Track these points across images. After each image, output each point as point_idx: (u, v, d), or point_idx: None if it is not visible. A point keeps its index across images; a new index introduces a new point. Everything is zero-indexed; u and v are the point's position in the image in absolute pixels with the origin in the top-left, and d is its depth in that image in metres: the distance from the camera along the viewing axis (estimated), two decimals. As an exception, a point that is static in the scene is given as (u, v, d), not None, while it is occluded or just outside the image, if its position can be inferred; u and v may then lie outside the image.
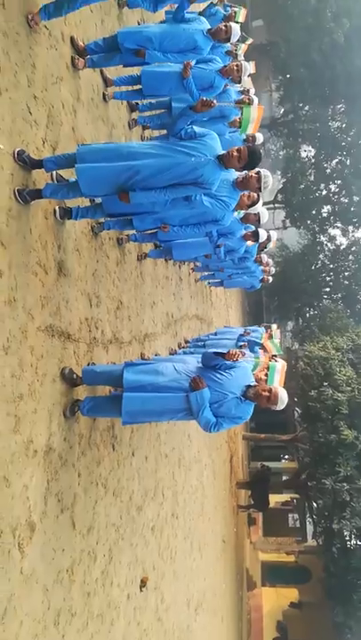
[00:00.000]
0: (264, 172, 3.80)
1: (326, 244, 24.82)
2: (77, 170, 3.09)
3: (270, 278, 9.46)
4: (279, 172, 26.48)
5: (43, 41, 3.69)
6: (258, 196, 4.24)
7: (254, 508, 16.06)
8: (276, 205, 23.84)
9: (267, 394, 3.24)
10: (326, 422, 12.65)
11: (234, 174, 3.72)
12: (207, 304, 12.00)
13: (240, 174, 3.68)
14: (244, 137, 6.19)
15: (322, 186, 23.59)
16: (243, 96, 6.43)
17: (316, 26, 19.54)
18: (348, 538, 12.79)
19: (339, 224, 24.47)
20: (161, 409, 3.41)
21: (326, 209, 24.18)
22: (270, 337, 8.77)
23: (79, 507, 3.71)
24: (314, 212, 23.72)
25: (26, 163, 3.21)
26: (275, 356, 5.38)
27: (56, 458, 3.41)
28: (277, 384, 3.53)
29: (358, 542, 12.88)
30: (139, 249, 5.96)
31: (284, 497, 20.30)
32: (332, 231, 24.88)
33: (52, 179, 3.47)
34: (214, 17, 6.34)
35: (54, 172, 3.47)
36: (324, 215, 24.21)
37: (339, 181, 23.30)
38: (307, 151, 24.76)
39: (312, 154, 24.12)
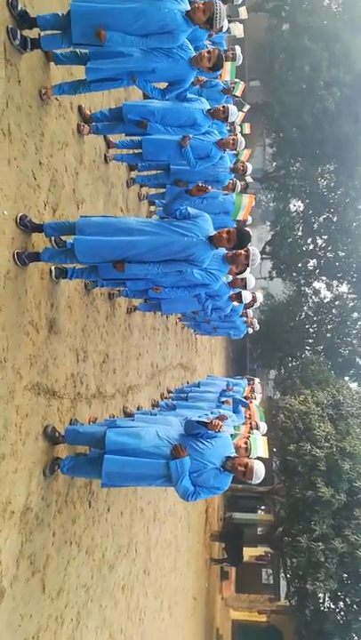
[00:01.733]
0: (253, 249, 4.00)
1: (311, 297, 25.31)
2: (75, 241, 3.23)
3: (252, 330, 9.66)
4: (269, 224, 27.23)
5: (52, 111, 3.91)
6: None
7: (227, 562, 15.69)
8: (263, 256, 24.41)
9: (242, 469, 3.31)
10: (304, 477, 12.60)
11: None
12: (192, 352, 12.10)
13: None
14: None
15: (309, 240, 24.25)
16: (238, 163, 6.75)
17: (308, 92, 20.60)
18: (321, 600, 12.51)
19: (324, 278, 25.06)
20: (141, 474, 3.44)
21: (312, 262, 24.79)
22: (253, 391, 8.88)
23: (51, 568, 3.66)
24: (300, 264, 24.30)
25: (27, 227, 3.34)
26: (253, 426, 5.45)
27: (32, 518, 3.39)
28: (261, 453, 3.59)
29: (332, 606, 12.60)
30: (129, 302, 6.09)
31: (259, 551, 19.87)
32: (317, 284, 25.46)
33: (50, 242, 3.60)
34: (214, 88, 6.73)
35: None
36: (310, 268, 24.80)
37: (325, 237, 24.00)
38: (296, 206, 25.58)
39: (301, 209, 24.92)
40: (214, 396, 7.68)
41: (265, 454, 3.63)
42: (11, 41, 3.13)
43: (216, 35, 6.91)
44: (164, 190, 6.45)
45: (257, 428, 5.46)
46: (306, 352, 25.79)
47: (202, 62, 3.69)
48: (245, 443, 3.87)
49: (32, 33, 3.36)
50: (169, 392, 8.16)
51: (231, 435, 3.80)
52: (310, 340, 25.66)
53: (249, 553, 18.23)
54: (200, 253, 3.31)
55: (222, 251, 3.90)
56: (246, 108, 9.31)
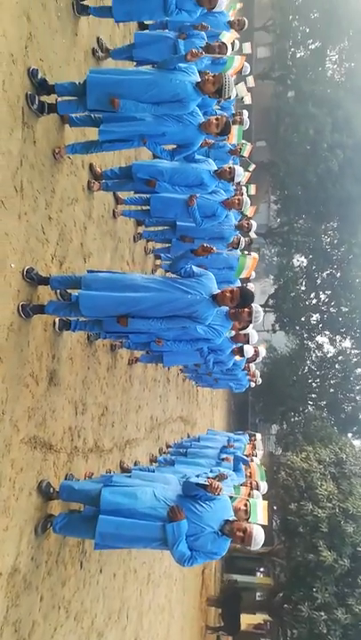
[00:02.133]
0: (255, 307, 4.03)
1: (314, 351, 25.22)
2: (81, 296, 3.27)
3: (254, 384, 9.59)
4: (272, 277, 27.56)
5: (64, 169, 4.05)
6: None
7: (224, 630, 14.83)
8: (266, 309, 24.55)
9: (241, 534, 3.19)
10: (305, 539, 12.11)
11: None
12: (193, 404, 11.95)
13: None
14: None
15: (312, 295, 24.45)
16: (243, 221, 6.92)
17: (313, 153, 21.38)
18: None
19: (327, 332, 25.06)
20: (136, 536, 3.31)
21: (315, 317, 24.87)
22: (254, 448, 8.70)
23: (36, 636, 3.47)
24: (303, 318, 24.38)
25: (33, 280, 3.39)
26: (254, 485, 5.30)
27: (20, 580, 3.24)
28: (261, 520, 3.47)
29: None
30: (130, 354, 6.08)
31: (257, 619, 18.81)
32: (320, 339, 25.43)
33: (56, 295, 3.64)
34: (222, 149, 6.99)
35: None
36: (313, 323, 24.86)
37: (328, 292, 24.19)
38: (299, 261, 25.95)
39: (304, 264, 25.27)
40: (214, 452, 7.52)
41: (264, 521, 3.50)
42: (29, 106, 3.29)
43: (225, 101, 7.25)
44: (169, 245, 6.58)
45: (257, 489, 5.30)
46: (309, 407, 25.44)
47: (210, 128, 3.85)
48: (245, 505, 3.75)
49: (49, 98, 3.54)
50: (168, 447, 8.00)
51: (230, 497, 3.68)
52: (313, 395, 25.36)
53: (247, 621, 17.26)
54: (203, 311, 3.35)
55: (225, 307, 3.93)
56: (252, 167, 9.65)
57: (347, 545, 11.26)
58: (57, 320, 3.76)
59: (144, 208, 5.52)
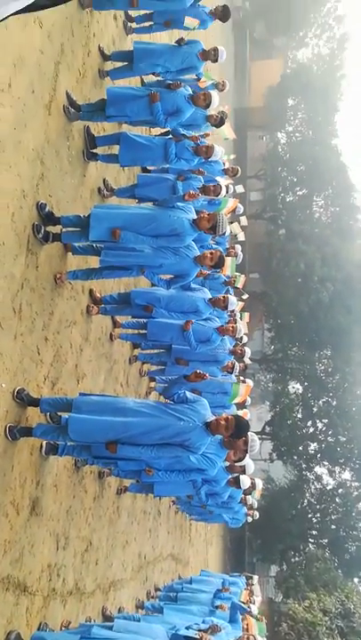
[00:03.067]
0: (251, 436, 3.91)
1: (313, 483, 24.07)
2: (70, 419, 3.18)
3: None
4: (268, 403, 27.28)
5: (64, 293, 4.19)
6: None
7: None
8: (263, 437, 23.93)
9: None
10: None
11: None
12: (185, 540, 11.05)
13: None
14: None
15: (309, 423, 23.98)
16: (237, 347, 7.02)
17: (304, 285, 22.50)
18: None
19: (325, 462, 24.14)
20: None
21: (313, 446, 24.15)
22: (251, 594, 7.89)
23: None
24: (301, 447, 23.66)
25: (23, 400, 3.32)
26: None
27: None
28: None
29: None
30: (119, 482, 5.75)
31: None
32: (319, 469, 24.41)
33: (45, 417, 3.55)
34: (216, 280, 7.33)
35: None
36: (311, 452, 24.06)
37: (325, 420, 23.78)
38: (295, 388, 25.91)
39: (300, 391, 25.19)
40: (208, 597, 6.77)
41: None
42: (35, 234, 3.51)
43: (219, 236, 7.79)
44: (164, 367, 6.59)
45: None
46: (310, 545, 23.59)
47: (205, 262, 4.08)
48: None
49: (54, 229, 3.78)
50: (157, 590, 7.23)
51: (225, 655, 3.22)
52: (314, 532, 23.66)
53: None
54: (196, 439, 3.22)
55: (220, 436, 3.80)
56: (245, 296, 10.07)
57: None
58: (44, 443, 3.61)
59: (141, 332, 5.63)
